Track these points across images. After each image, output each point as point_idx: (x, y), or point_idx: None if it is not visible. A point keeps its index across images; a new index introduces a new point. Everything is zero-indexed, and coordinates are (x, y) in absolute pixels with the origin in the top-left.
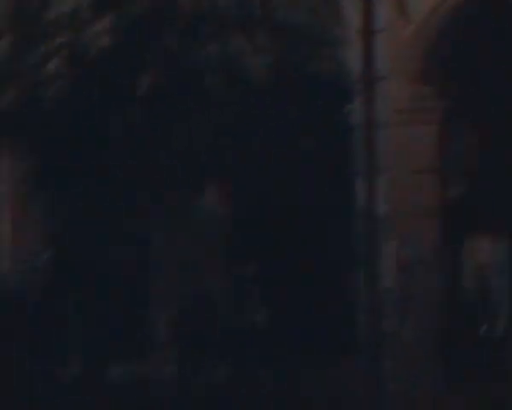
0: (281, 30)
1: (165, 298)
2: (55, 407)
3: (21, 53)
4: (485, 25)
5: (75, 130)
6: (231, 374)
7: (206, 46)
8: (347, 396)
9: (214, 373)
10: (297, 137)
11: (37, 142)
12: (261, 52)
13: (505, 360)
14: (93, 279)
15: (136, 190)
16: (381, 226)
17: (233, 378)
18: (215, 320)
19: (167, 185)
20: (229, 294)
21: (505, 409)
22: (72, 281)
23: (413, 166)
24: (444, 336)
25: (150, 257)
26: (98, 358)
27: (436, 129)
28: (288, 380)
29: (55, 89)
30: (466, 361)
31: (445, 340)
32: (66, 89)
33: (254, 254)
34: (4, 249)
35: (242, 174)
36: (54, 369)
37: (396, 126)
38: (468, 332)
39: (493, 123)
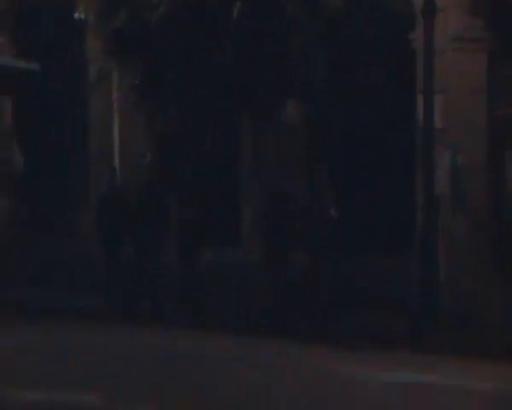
0: None
1: (254, 194)
2: (153, 286)
3: None
4: None
5: (176, 48)
6: (309, 261)
7: None
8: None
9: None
10: (368, 59)
11: (144, 57)
12: None
13: None
14: (190, 178)
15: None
16: (438, 138)
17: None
18: (296, 214)
19: (258, 96)
20: (308, 192)
21: None
22: (172, 179)
23: (466, 88)
24: (491, 237)
25: (240, 158)
26: (191, 246)
27: (486, 55)
28: (353, 269)
29: (158, 14)
30: None
31: (492, 239)
32: (167, 14)
33: (330, 159)
34: (114, 150)
35: (322, 91)
36: (156, 251)
37: (452, 52)
38: None
39: None
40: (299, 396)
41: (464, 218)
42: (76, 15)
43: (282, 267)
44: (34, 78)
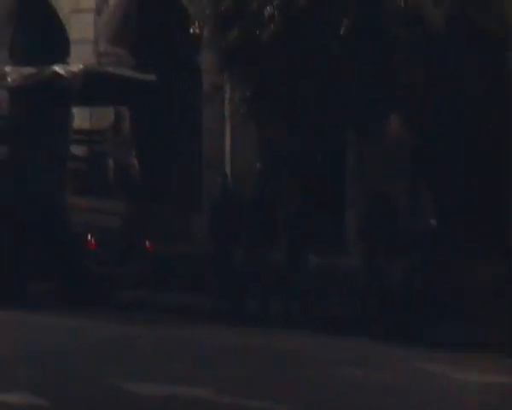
0: None
1: (356, 201)
2: (262, 287)
3: (245, 0)
4: None
5: (287, 63)
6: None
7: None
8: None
9: (393, 266)
10: (467, 77)
11: (254, 72)
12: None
13: None
14: (297, 181)
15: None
16: None
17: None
18: (395, 221)
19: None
20: (408, 200)
21: None
22: (281, 184)
23: None
24: None
25: (345, 169)
26: (300, 248)
27: None
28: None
29: (269, 31)
30: None
31: None
32: (278, 31)
33: (431, 169)
34: (226, 157)
35: (428, 105)
36: (264, 254)
37: None
38: None
39: None
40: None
41: None
42: (192, 30)
43: (384, 270)
44: (151, 88)
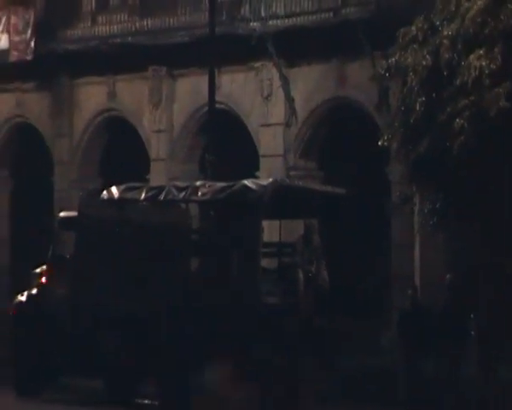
0: None
1: None
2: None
3: (434, 111)
4: None
5: (479, 175)
6: None
7: None
8: None
9: None
10: None
11: (444, 183)
12: None
13: None
14: (490, 292)
15: None
16: None
17: None
18: None
19: None
20: None
21: None
22: (472, 297)
23: None
24: None
25: None
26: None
27: None
28: None
29: (459, 142)
30: None
31: None
32: (469, 142)
33: None
34: (415, 269)
35: None
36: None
37: None
38: None
39: None
40: None
41: None
42: (380, 142)
43: None
44: (341, 201)
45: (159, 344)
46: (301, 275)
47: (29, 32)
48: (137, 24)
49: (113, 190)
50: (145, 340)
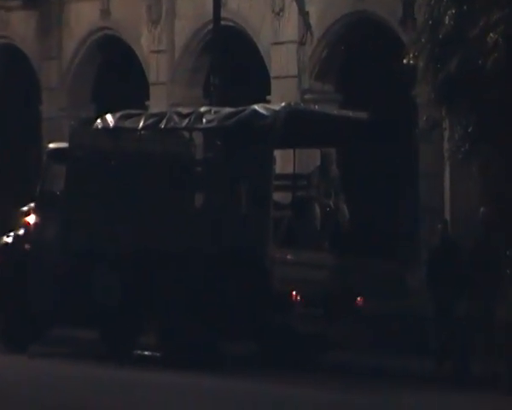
0: None
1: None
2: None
3: (465, 25)
4: None
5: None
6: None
7: None
8: None
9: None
10: None
11: (476, 104)
12: None
13: None
14: None
15: None
16: None
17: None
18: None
19: None
20: None
21: None
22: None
23: None
24: None
25: None
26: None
27: None
28: None
29: (493, 59)
30: None
31: None
32: (503, 59)
33: None
34: (445, 202)
35: None
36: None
37: None
38: None
39: None
40: None
41: None
42: (405, 60)
43: None
44: (363, 127)
45: (159, 290)
46: (318, 210)
47: None
48: None
49: (108, 117)
50: (144, 284)
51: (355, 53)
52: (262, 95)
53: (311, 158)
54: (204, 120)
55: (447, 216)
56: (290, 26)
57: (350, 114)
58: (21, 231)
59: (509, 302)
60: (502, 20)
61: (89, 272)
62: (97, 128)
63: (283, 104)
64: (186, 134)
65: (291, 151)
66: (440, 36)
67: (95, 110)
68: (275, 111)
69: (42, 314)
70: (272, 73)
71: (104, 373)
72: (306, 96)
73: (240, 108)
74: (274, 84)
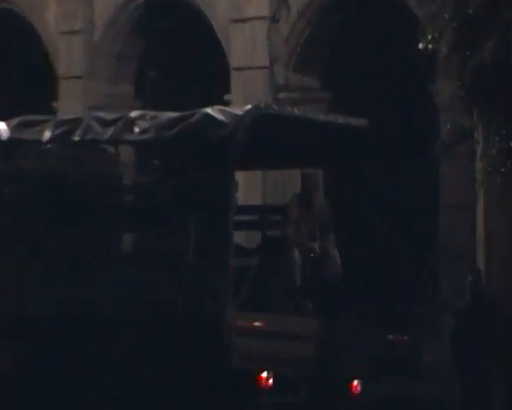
0: None
1: None
2: None
3: None
4: None
5: None
6: None
7: None
8: None
9: None
10: None
11: None
12: None
13: None
14: None
15: None
16: None
17: None
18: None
19: None
20: None
21: None
22: None
23: None
24: None
25: None
26: None
27: None
28: None
29: None
30: None
31: None
32: None
33: None
34: (477, 242)
35: None
36: None
37: None
38: None
39: None
40: None
41: None
42: (422, 45)
43: None
44: (361, 139)
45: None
46: (298, 257)
47: None
48: None
49: (0, 125)
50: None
51: (348, 34)
52: (218, 93)
53: (287, 183)
54: (136, 130)
55: (480, 264)
56: None
57: (342, 119)
58: None
59: None
60: None
61: None
62: None
63: (248, 107)
64: (111, 149)
65: (259, 173)
66: (470, 10)
67: None
68: (236, 116)
69: None
70: (232, 63)
71: None
72: (281, 95)
73: (186, 113)
74: (235, 77)
